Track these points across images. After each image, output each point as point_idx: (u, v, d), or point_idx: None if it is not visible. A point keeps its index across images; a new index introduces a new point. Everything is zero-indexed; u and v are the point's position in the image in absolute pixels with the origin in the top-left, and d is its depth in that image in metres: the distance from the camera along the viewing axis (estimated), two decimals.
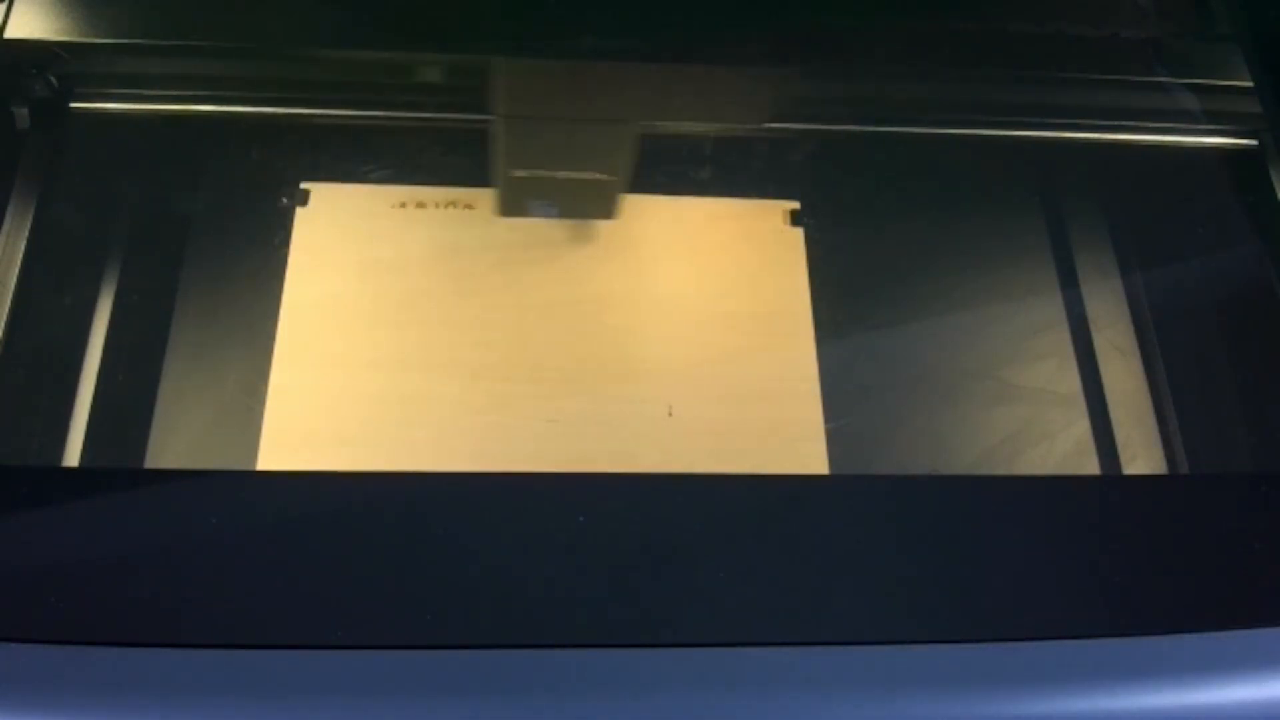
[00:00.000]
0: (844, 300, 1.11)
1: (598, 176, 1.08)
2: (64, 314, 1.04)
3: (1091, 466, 1.07)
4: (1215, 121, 1.14)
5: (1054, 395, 1.10)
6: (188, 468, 1.00)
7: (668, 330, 1.07)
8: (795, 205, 1.14)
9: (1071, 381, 1.10)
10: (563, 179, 1.08)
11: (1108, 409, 1.09)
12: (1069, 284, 1.15)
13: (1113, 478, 1.05)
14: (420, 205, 1.12)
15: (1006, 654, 0.62)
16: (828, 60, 1.15)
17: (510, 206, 1.11)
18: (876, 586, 0.65)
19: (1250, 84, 1.05)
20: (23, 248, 0.98)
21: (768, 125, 1.19)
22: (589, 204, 1.12)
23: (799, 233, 1.13)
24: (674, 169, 1.16)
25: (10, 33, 1.02)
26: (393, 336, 1.05)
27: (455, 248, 1.10)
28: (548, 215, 1.11)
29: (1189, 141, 1.16)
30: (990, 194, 1.21)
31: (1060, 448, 1.08)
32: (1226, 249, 1.13)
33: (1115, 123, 1.15)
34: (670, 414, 1.02)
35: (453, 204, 1.12)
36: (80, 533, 0.65)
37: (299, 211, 1.10)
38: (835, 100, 1.19)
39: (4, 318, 0.95)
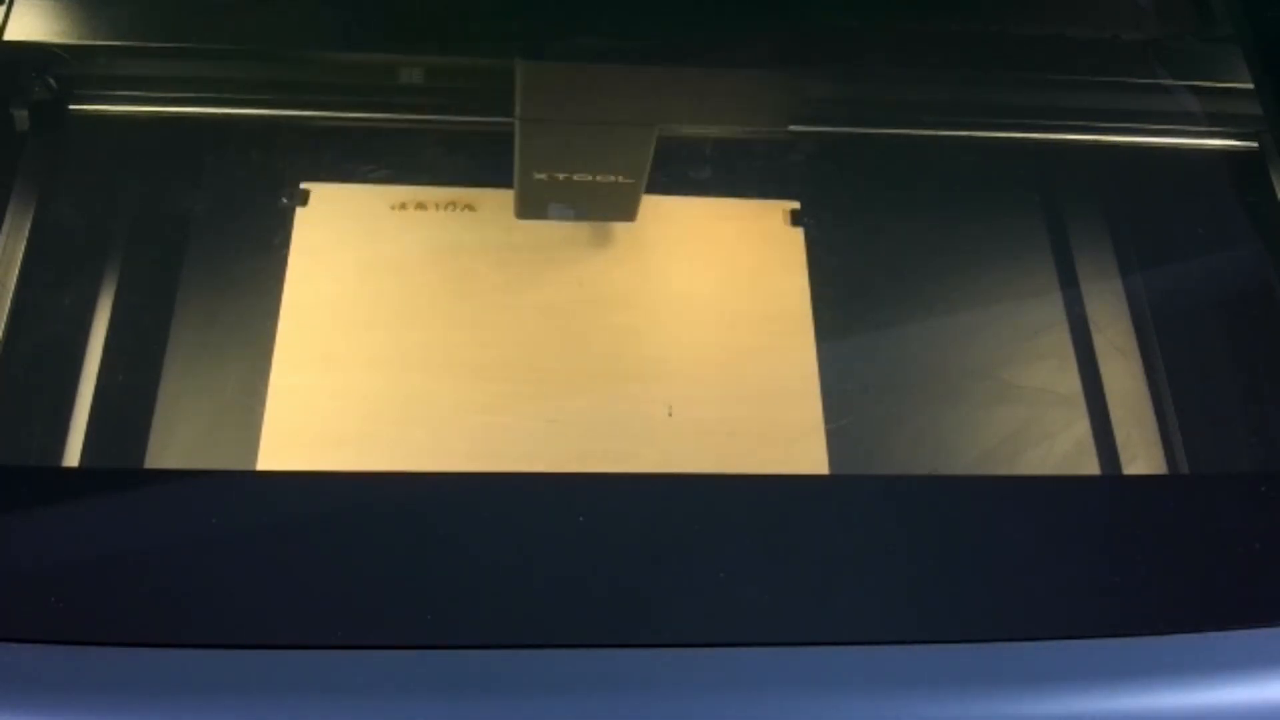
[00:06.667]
0: (844, 300, 1.11)
1: (618, 179, 1.08)
2: (64, 314, 1.04)
3: (1091, 466, 1.07)
4: (1215, 123, 1.14)
5: (1054, 395, 1.10)
6: (188, 468, 1.00)
7: (668, 330, 1.07)
8: (795, 205, 1.14)
9: (1071, 381, 1.10)
10: (582, 181, 1.08)
11: (1108, 409, 1.09)
12: (1069, 284, 1.15)
13: (1113, 478, 1.05)
14: (420, 206, 1.12)
15: (1006, 654, 0.62)
16: (829, 62, 1.15)
17: (529, 209, 1.10)
18: (876, 586, 0.65)
19: (1250, 85, 1.05)
20: (23, 248, 0.98)
21: (768, 127, 1.19)
22: (608, 206, 1.12)
23: (799, 233, 1.13)
24: (674, 169, 1.16)
25: (10, 35, 1.02)
26: (393, 336, 1.05)
27: (455, 248, 1.10)
28: (565, 218, 1.11)
29: (1189, 143, 1.16)
30: (991, 195, 1.21)
31: (1060, 448, 1.08)
32: (1226, 249, 1.13)
33: (1116, 124, 1.15)
34: (670, 414, 1.02)
35: (453, 204, 1.12)
36: (80, 533, 0.65)
37: (299, 211, 1.10)
38: (836, 101, 1.19)
39: (4, 318, 0.95)
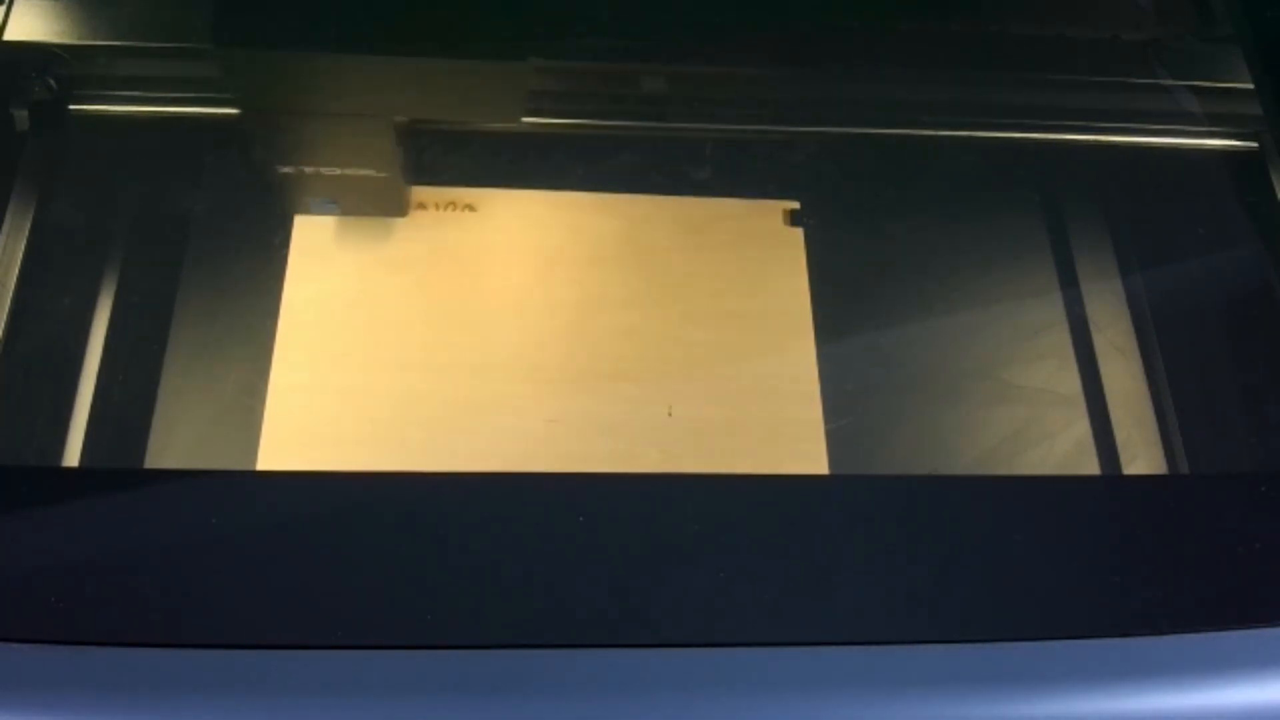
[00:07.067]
0: (844, 300, 1.11)
1: (369, 173, 1.06)
2: (64, 314, 1.04)
3: (1091, 466, 1.07)
4: (1215, 123, 1.14)
5: (1054, 395, 1.10)
6: (188, 468, 1.00)
7: (668, 330, 1.07)
8: (795, 205, 1.14)
9: (1071, 381, 1.10)
10: (332, 176, 1.06)
11: (1108, 409, 1.09)
12: (1069, 284, 1.15)
13: (1113, 478, 1.05)
14: (420, 206, 1.12)
15: (1006, 654, 0.62)
16: (829, 62, 1.15)
17: (287, 203, 1.09)
18: (876, 586, 0.65)
19: (1250, 85, 1.05)
20: (23, 248, 0.98)
21: (768, 127, 1.19)
22: (371, 201, 1.10)
23: (799, 233, 1.13)
24: (674, 169, 1.16)
25: (10, 35, 1.03)
26: (393, 336, 1.05)
27: (455, 248, 1.10)
28: (328, 213, 1.09)
29: (1189, 143, 1.16)
30: (990, 195, 1.21)
31: (1060, 448, 1.08)
32: (1226, 249, 1.13)
33: (1116, 124, 1.15)
34: (670, 414, 1.02)
35: (452, 204, 1.12)
36: (80, 533, 0.65)
37: None
38: (836, 101, 1.19)
39: (4, 318, 0.95)
